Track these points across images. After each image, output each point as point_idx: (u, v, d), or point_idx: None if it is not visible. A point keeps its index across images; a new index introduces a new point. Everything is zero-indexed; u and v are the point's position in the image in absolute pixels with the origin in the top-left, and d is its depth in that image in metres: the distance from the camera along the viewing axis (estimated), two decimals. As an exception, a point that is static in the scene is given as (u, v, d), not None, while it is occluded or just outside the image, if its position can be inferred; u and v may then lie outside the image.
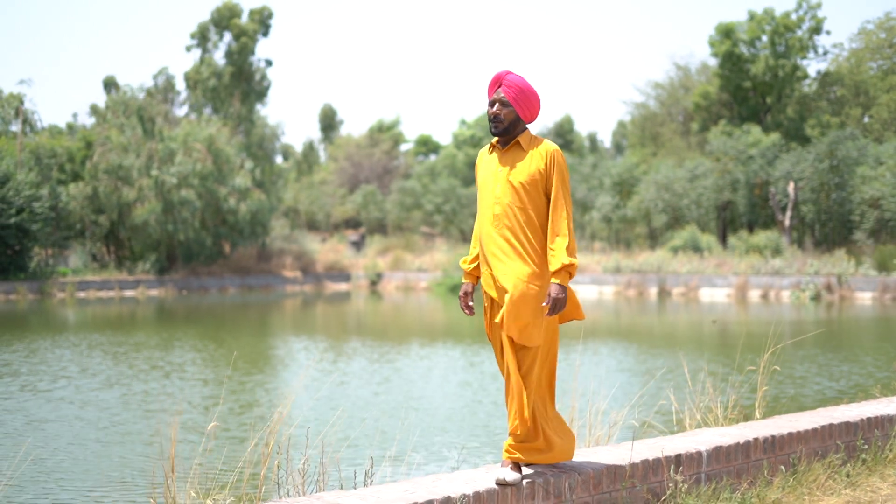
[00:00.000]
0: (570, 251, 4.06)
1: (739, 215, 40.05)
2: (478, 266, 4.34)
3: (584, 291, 33.68)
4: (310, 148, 64.02)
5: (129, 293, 35.15)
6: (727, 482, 4.81)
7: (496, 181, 4.21)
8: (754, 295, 30.99)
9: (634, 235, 43.38)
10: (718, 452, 4.85)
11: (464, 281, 4.40)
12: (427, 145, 64.87)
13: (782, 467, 5.10)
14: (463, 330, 20.54)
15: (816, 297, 29.08)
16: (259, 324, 24.11)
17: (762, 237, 34.99)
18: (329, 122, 66.15)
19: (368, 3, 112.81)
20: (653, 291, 33.09)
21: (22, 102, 40.76)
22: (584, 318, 4.27)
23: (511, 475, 4.05)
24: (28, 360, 14.61)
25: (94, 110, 43.17)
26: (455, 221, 47.96)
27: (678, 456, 4.65)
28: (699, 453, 4.76)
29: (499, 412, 9.18)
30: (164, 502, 3.94)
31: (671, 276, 33.24)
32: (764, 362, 5.78)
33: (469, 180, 52.01)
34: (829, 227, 36.73)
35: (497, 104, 4.23)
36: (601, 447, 4.85)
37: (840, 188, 35.79)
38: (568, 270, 4.06)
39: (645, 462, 4.51)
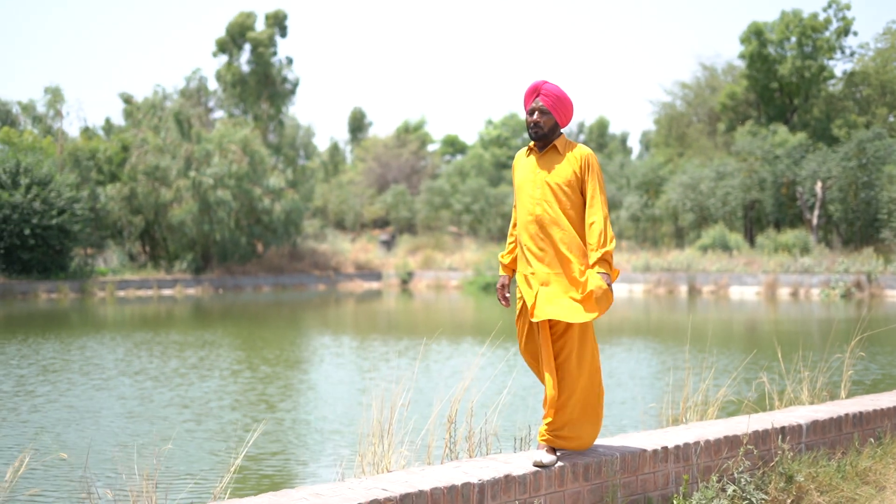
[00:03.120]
0: (606, 239, 4.37)
1: (766, 214, 40.47)
2: (514, 259, 4.69)
3: (614, 289, 34.17)
4: (335, 148, 64.77)
5: (166, 292, 35.87)
6: (824, 452, 5.39)
7: (535, 184, 4.54)
8: (784, 293, 31.44)
9: (661, 234, 43.89)
10: (815, 426, 5.43)
11: (501, 274, 4.74)
12: (454, 145, 65.56)
13: (871, 440, 5.68)
14: (496, 326, 21.07)
15: (846, 295, 29.50)
16: (304, 322, 24.76)
17: (790, 236, 35.40)
18: (358, 125, 66.94)
19: (394, 4, 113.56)
20: (683, 289, 33.57)
21: (63, 100, 41.67)
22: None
23: (548, 457, 4.30)
24: (132, 358, 15.30)
25: (129, 113, 43.98)
26: (483, 221, 48.57)
27: (783, 428, 5.24)
28: (800, 426, 5.34)
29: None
30: (373, 461, 4.56)
31: (701, 274, 33.71)
32: (851, 348, 6.38)
33: (496, 180, 52.69)
34: (856, 226, 37.10)
35: (536, 112, 4.52)
36: (715, 420, 5.46)
37: (867, 187, 36.16)
38: (605, 258, 4.38)
39: (755, 433, 5.09)
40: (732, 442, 4.97)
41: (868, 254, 32.30)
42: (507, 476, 4.10)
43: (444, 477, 4.04)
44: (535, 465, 4.27)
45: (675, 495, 4.64)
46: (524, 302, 4.52)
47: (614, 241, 4.46)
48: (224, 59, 47.72)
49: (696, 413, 5.88)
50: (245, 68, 47.23)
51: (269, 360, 14.93)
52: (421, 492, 3.84)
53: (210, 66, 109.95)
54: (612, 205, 45.21)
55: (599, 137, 62.69)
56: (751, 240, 39.71)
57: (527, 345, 4.58)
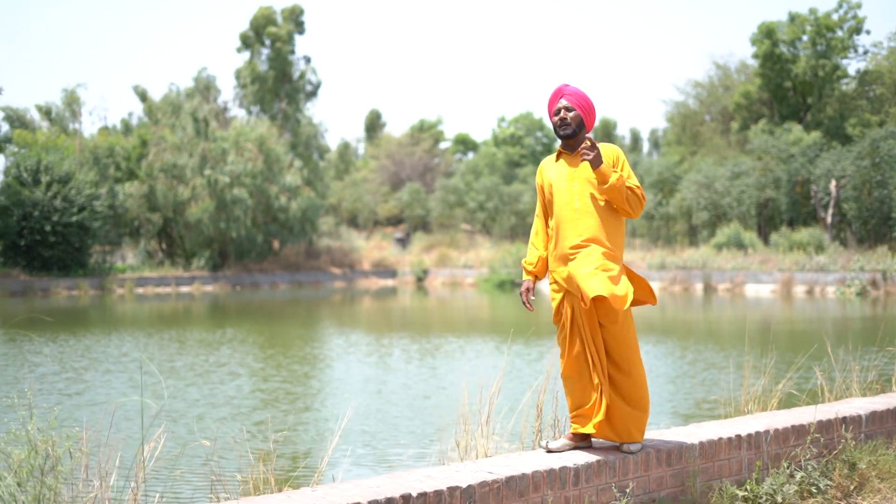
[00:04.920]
0: (638, 188, 4.55)
1: (780, 213, 40.68)
2: (538, 264, 4.73)
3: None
4: (345, 146, 65.02)
5: (184, 289, 36.20)
6: (882, 441, 5.64)
7: (572, 180, 4.64)
8: (799, 291, 31.64)
9: (674, 232, 44.12)
10: (874, 416, 5.68)
11: (525, 278, 4.80)
12: (465, 143, 65.78)
13: (925, 430, 5.93)
14: (529, 322, 21.36)
15: (862, 293, 29.70)
16: (323, 319, 25.04)
17: (805, 234, 35.59)
18: (374, 124, 67.25)
19: (409, 3, 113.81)
20: (698, 287, 33.80)
21: (79, 101, 42.00)
22: (656, 303, 4.64)
23: (634, 445, 4.55)
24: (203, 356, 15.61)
25: (149, 111, 44.28)
26: (497, 219, 48.82)
27: (844, 418, 5.49)
28: (860, 416, 5.59)
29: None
30: (465, 445, 4.83)
31: (716, 272, 33.94)
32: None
33: (510, 178, 52.88)
34: (870, 225, 37.28)
35: (563, 110, 4.65)
36: (780, 410, 5.71)
37: (881, 186, 36.33)
38: (621, 181, 4.47)
39: (820, 422, 5.34)
40: (799, 431, 5.22)
41: (882, 252, 32.49)
42: (598, 461, 4.36)
43: (542, 461, 4.30)
44: (623, 451, 4.52)
45: (749, 481, 4.89)
46: (565, 309, 4.57)
47: (641, 195, 4.57)
48: (246, 56, 48.06)
49: (757, 405, 6.13)
50: (263, 66, 47.54)
51: (301, 357, 15.22)
52: (524, 475, 4.10)
53: (228, 63, 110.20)
54: (625, 203, 45.47)
55: (605, 138, 62.80)
56: (765, 238, 39.91)
57: (577, 355, 4.55)
